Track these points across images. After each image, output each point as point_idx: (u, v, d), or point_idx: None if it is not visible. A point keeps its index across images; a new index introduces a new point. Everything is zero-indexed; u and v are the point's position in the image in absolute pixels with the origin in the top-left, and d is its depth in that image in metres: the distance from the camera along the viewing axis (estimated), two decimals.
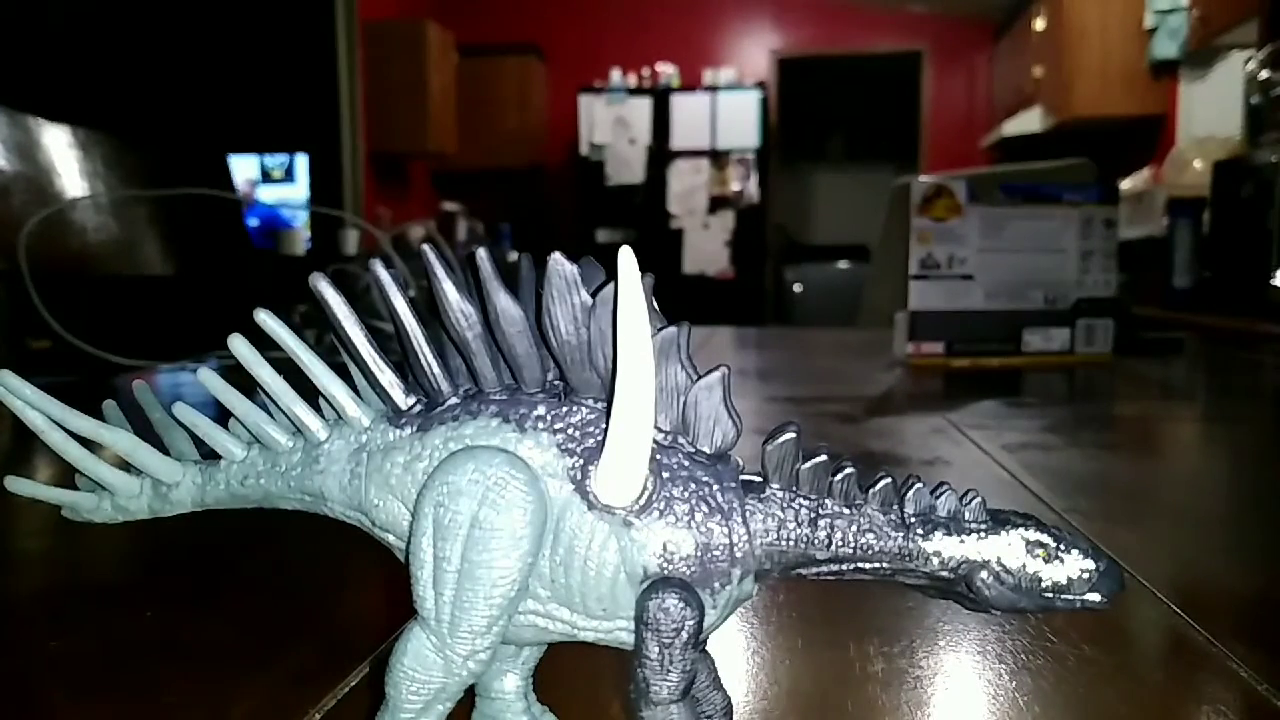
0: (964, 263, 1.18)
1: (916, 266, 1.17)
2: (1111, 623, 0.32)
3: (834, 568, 0.17)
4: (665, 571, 0.18)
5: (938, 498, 0.17)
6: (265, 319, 0.19)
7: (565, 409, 0.18)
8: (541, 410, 0.18)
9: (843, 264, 4.14)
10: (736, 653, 0.30)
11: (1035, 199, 1.19)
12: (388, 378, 0.20)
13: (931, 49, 4.28)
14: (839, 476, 0.17)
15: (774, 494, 0.18)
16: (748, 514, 0.18)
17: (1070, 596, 0.16)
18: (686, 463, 0.18)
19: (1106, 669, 0.29)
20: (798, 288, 4.15)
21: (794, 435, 0.18)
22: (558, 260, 0.18)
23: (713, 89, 4.02)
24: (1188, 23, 2.71)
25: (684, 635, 0.17)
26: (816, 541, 0.17)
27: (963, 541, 0.16)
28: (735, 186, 4.04)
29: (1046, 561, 0.16)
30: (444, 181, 4.12)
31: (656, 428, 0.18)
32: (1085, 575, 0.15)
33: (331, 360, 0.20)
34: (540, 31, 4.23)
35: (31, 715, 0.26)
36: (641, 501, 0.18)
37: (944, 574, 0.16)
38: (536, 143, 4.21)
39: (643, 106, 4.01)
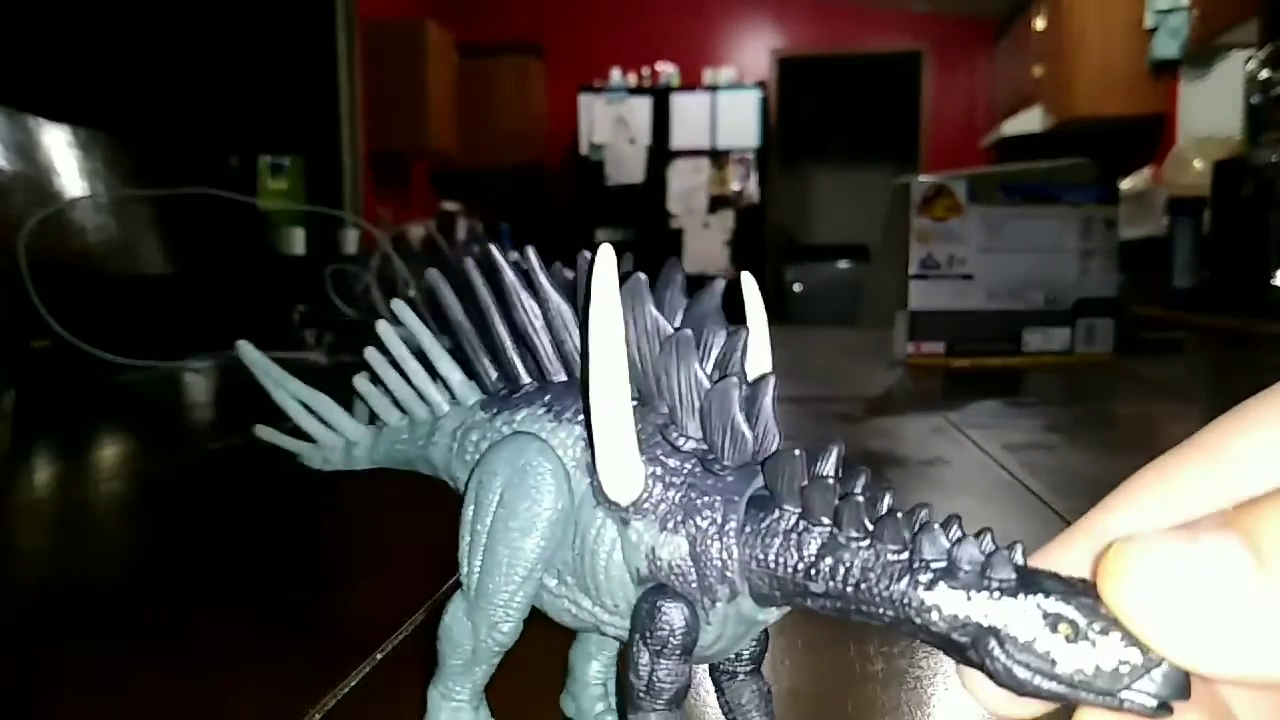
0: (964, 262, 1.18)
1: (917, 266, 1.17)
2: None
3: (832, 604, 0.15)
4: (658, 576, 0.17)
5: (961, 543, 0.14)
6: (400, 308, 0.22)
7: None
8: (579, 404, 0.19)
9: (843, 264, 4.14)
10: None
11: (1035, 199, 1.19)
12: (482, 361, 0.22)
13: (932, 49, 4.28)
14: (855, 503, 0.15)
15: (780, 515, 0.16)
16: (745, 532, 0.16)
17: (1103, 689, 0.12)
18: (697, 470, 0.17)
19: None
20: (798, 287, 4.15)
21: (799, 452, 0.16)
22: (584, 257, 0.18)
23: (713, 88, 4.02)
24: (1188, 22, 2.71)
25: (672, 644, 0.17)
26: (813, 573, 0.15)
27: (970, 599, 0.13)
28: (735, 186, 4.04)
29: (1070, 641, 0.12)
30: (443, 181, 4.11)
31: (678, 429, 0.17)
32: (1125, 668, 0.12)
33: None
34: (540, 31, 4.23)
35: (32, 714, 0.26)
36: (640, 502, 0.17)
37: (949, 634, 0.13)
38: (536, 142, 4.20)
39: (643, 106, 4.01)
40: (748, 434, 0.17)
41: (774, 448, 0.17)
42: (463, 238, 3.33)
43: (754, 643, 0.18)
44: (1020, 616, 0.13)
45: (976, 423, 0.75)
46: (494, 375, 0.22)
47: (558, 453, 0.19)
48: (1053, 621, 0.12)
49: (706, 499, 0.17)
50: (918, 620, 0.14)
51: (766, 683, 0.19)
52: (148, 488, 0.56)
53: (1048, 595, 0.13)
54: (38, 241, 1.07)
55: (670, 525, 0.17)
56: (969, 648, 0.13)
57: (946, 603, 0.14)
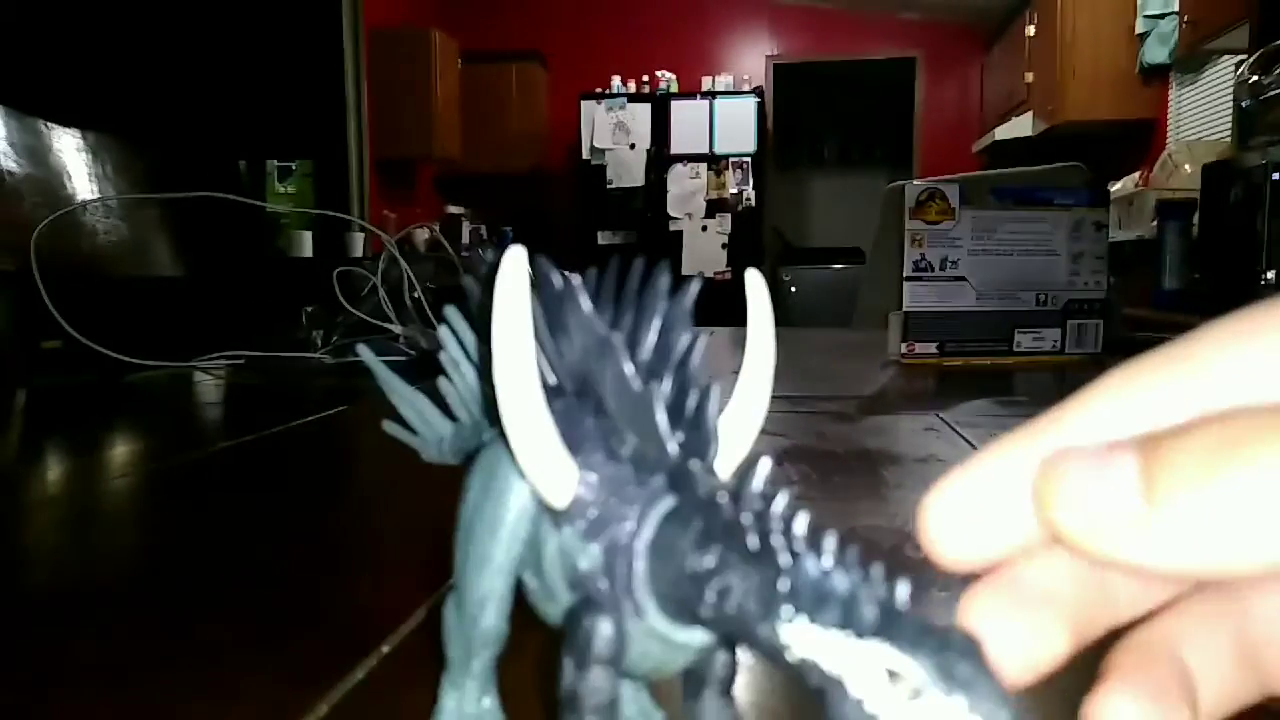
0: (956, 264, 1.21)
1: (910, 268, 1.20)
2: None
3: (721, 632, 0.14)
4: (583, 585, 0.16)
5: (831, 574, 0.12)
6: (451, 312, 0.23)
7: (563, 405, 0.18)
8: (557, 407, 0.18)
9: (837, 266, 4.16)
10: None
11: (1026, 202, 1.22)
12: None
13: (925, 55, 4.31)
14: (744, 523, 0.13)
15: (684, 531, 0.15)
16: (653, 546, 0.15)
17: None
18: (628, 478, 0.16)
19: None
20: (793, 289, 4.17)
21: (700, 464, 0.15)
22: (549, 272, 0.17)
23: (710, 95, 4.05)
24: (1178, 28, 2.74)
25: (594, 656, 0.15)
26: (702, 596, 0.14)
27: (821, 640, 0.11)
28: (732, 190, 4.07)
29: (910, 699, 0.11)
30: (448, 185, 4.14)
31: (621, 441, 0.17)
32: None
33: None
34: (543, 39, 4.26)
35: (33, 714, 0.26)
36: (571, 508, 0.17)
37: (803, 677, 0.12)
38: (539, 147, 4.23)
39: (643, 112, 4.04)
40: (670, 442, 0.15)
41: (711, 457, 0.16)
42: (467, 240, 3.35)
43: (722, 665, 0.17)
44: (858, 667, 0.11)
45: (969, 421, 0.76)
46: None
47: None
48: (893, 678, 0.11)
49: (626, 508, 0.16)
50: (777, 660, 0.12)
51: (735, 710, 0.17)
52: (156, 486, 0.55)
53: (901, 644, 0.11)
54: (48, 243, 1.09)
55: (592, 534, 0.16)
56: (823, 697, 0.11)
57: (800, 643, 0.12)
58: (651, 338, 0.16)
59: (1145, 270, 2.06)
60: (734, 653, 0.17)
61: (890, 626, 0.11)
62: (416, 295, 1.43)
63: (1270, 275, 1.67)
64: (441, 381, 0.24)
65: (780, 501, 0.13)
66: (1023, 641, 0.12)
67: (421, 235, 1.99)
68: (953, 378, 1.10)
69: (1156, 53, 2.92)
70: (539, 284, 0.18)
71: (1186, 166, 2.36)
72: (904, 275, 1.17)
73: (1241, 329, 0.12)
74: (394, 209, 3.23)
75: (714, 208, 4.08)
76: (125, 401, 0.94)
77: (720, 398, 0.16)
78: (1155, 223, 2.13)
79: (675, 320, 0.16)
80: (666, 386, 0.16)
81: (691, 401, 0.16)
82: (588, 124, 4.03)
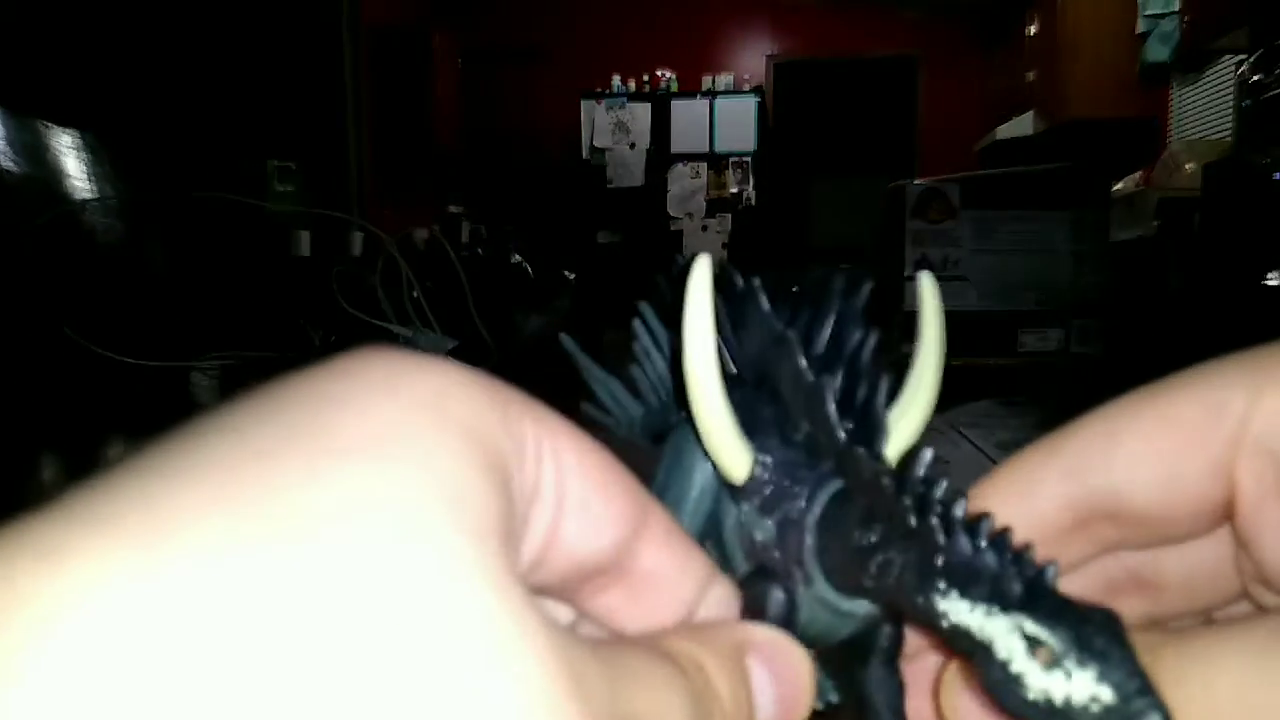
0: (958, 264, 1.20)
1: (911, 268, 1.19)
2: None
3: (881, 601, 0.15)
4: (755, 556, 0.18)
5: (983, 552, 0.13)
6: (643, 308, 0.24)
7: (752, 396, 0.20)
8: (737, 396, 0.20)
9: (839, 266, 4.16)
10: None
11: (1028, 202, 1.21)
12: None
13: (926, 54, 4.31)
14: (907, 503, 0.14)
15: (851, 509, 0.16)
16: (823, 522, 0.16)
17: None
18: (800, 461, 0.17)
19: None
20: (794, 289, 4.17)
21: (863, 450, 0.16)
22: (735, 275, 0.20)
23: (711, 94, 4.05)
24: (1179, 28, 2.74)
25: (764, 618, 0.17)
26: (865, 567, 0.15)
27: (972, 611, 0.13)
28: (733, 189, 4.07)
29: (1046, 668, 0.12)
30: (448, 184, 4.14)
31: (793, 428, 0.18)
32: (1096, 706, 0.11)
33: None
34: (542, 38, 4.26)
35: None
36: (747, 485, 0.18)
37: (955, 644, 0.13)
38: (539, 146, 4.23)
39: (643, 111, 4.04)
40: (839, 430, 0.16)
41: (879, 445, 0.16)
42: (466, 240, 3.35)
43: (886, 635, 0.18)
44: (1003, 635, 0.12)
45: (971, 421, 0.76)
46: None
47: None
48: (1031, 645, 0.12)
49: (798, 487, 0.17)
50: (934, 626, 0.13)
51: (900, 678, 0.18)
52: None
53: (1040, 616, 0.12)
54: (46, 243, 1.08)
55: (767, 509, 0.18)
56: (973, 660, 0.13)
57: (953, 611, 0.13)
58: (826, 333, 0.18)
59: (1147, 270, 2.06)
60: (899, 624, 0.18)
61: (1034, 601, 0.12)
62: (416, 295, 1.43)
63: (1273, 275, 1.67)
64: (634, 368, 0.25)
65: (940, 487, 0.14)
66: None
67: (421, 234, 1.99)
68: (955, 378, 1.10)
69: (1158, 52, 2.92)
70: (724, 285, 0.19)
71: (1188, 166, 2.36)
72: (905, 275, 1.16)
73: (1109, 429, 0.15)
74: (393, 208, 3.23)
75: (714, 207, 4.08)
76: (124, 401, 0.94)
77: (888, 390, 0.17)
78: (1157, 222, 2.13)
79: (848, 318, 0.18)
80: (838, 379, 0.17)
81: (861, 393, 0.17)
82: (587, 123, 4.03)
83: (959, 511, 0.14)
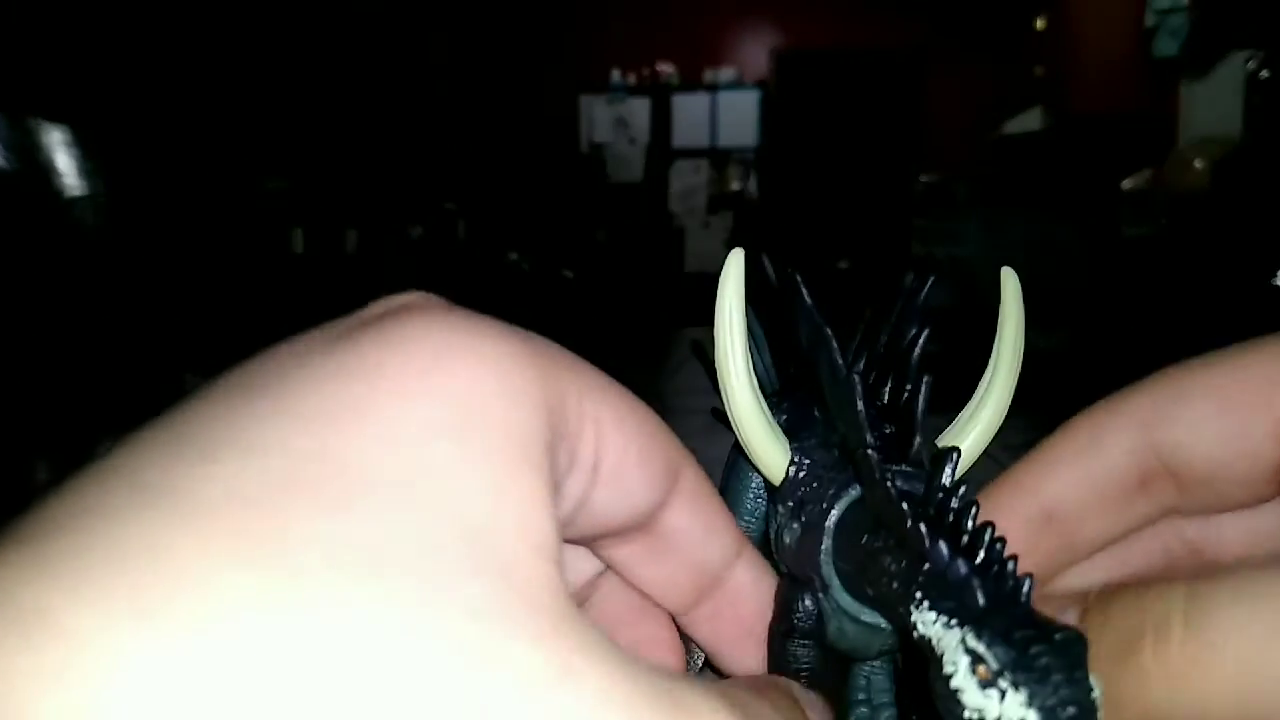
0: (964, 262, 1.18)
1: (916, 265, 1.17)
2: None
3: (885, 612, 0.15)
4: (784, 560, 0.18)
5: (955, 559, 0.13)
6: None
7: (793, 399, 0.20)
8: (773, 398, 0.21)
9: (843, 264, 4.14)
10: None
11: (1036, 199, 1.19)
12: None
13: (933, 47, 4.28)
14: (904, 511, 0.14)
15: (865, 515, 0.16)
16: (840, 526, 0.16)
17: None
18: (833, 463, 0.17)
19: None
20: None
21: (871, 452, 0.15)
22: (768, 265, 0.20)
23: (713, 88, 4.02)
24: (1188, 22, 2.71)
25: (796, 628, 0.17)
26: (867, 574, 0.15)
27: (935, 621, 0.13)
28: (735, 185, 4.04)
29: (982, 686, 0.12)
30: (443, 181, 4.12)
31: (834, 427, 0.18)
32: None
33: None
34: (540, 31, 4.23)
35: None
36: (783, 487, 0.18)
37: (924, 655, 0.13)
38: (536, 142, 4.21)
39: (643, 106, 4.01)
40: (866, 430, 0.16)
41: (916, 448, 0.16)
42: (463, 237, 3.33)
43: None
44: (950, 647, 0.12)
45: None
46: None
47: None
48: (974, 660, 0.12)
49: (824, 490, 0.17)
50: (911, 639, 0.13)
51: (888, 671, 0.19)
52: None
53: (991, 633, 0.12)
54: (45, 242, 1.07)
55: (795, 513, 0.18)
56: (929, 672, 0.12)
57: (922, 623, 0.13)
58: (887, 331, 0.18)
59: (1156, 267, 2.03)
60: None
61: (994, 615, 0.12)
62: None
63: None
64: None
65: (958, 494, 0.14)
66: None
67: (416, 232, 1.97)
68: (960, 377, 1.08)
69: (1166, 46, 2.89)
70: (775, 281, 0.20)
71: (1198, 162, 2.33)
72: (910, 273, 1.15)
73: (1177, 387, 0.15)
74: (389, 205, 3.21)
75: (716, 204, 4.05)
76: (122, 402, 0.93)
77: (930, 391, 0.17)
78: (1166, 220, 2.10)
79: (909, 315, 0.18)
80: (888, 378, 0.17)
81: (906, 393, 0.17)
82: (587, 117, 4.00)
83: (967, 521, 0.13)
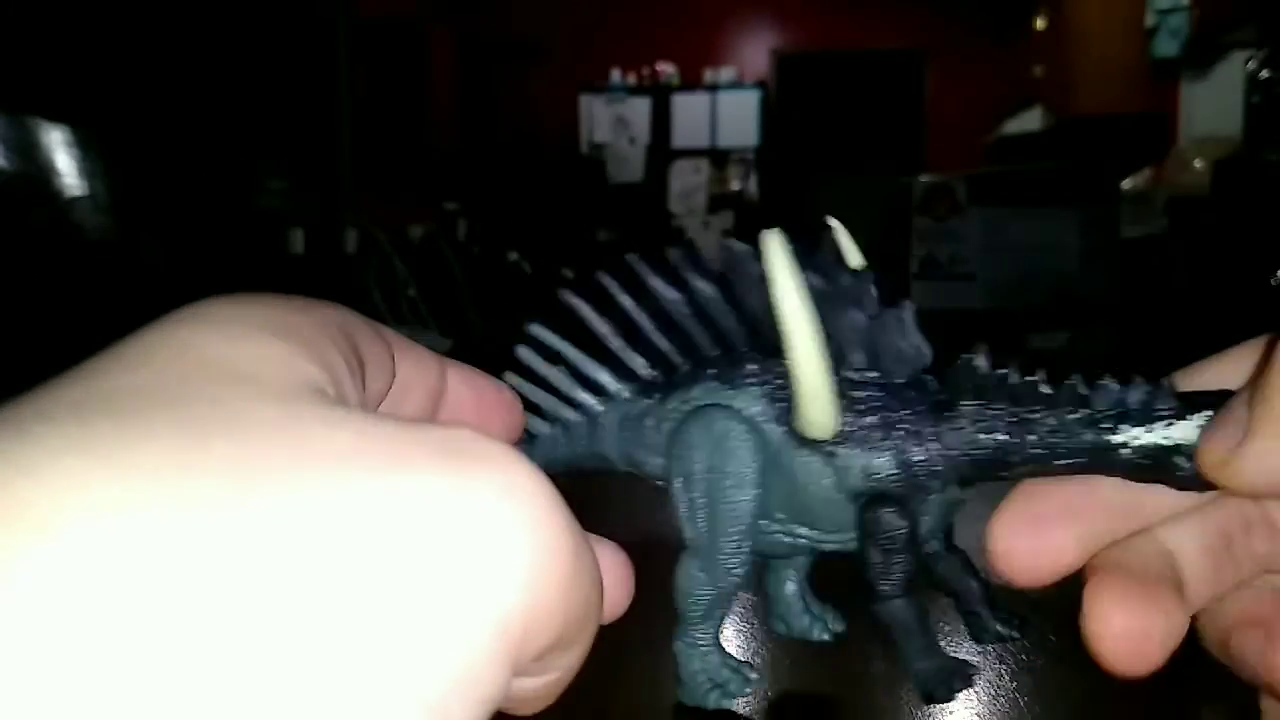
0: (965, 262, 1.18)
1: (917, 266, 1.17)
2: None
3: (1031, 468, 0.18)
4: (875, 488, 0.20)
5: (1126, 391, 0.17)
6: (536, 328, 0.26)
7: (768, 365, 0.22)
8: (750, 369, 0.23)
9: None
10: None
11: (1036, 199, 1.19)
12: (630, 357, 0.25)
13: (933, 48, 4.28)
14: (1023, 385, 0.19)
15: (964, 410, 0.19)
16: (942, 430, 0.20)
17: None
18: (878, 394, 0.21)
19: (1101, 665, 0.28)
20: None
21: (974, 355, 0.19)
22: (730, 242, 0.22)
23: (713, 88, 4.02)
24: (1188, 22, 2.71)
25: (899, 541, 0.20)
26: (1010, 448, 0.19)
27: (1150, 430, 0.16)
28: (735, 185, 4.04)
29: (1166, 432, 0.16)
30: (444, 181, 4.12)
31: (849, 366, 0.21)
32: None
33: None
34: (541, 31, 4.23)
35: None
36: (839, 433, 0.21)
37: (1141, 461, 0.16)
38: (536, 142, 4.21)
39: (643, 106, 4.01)
40: (910, 352, 0.20)
41: (928, 358, 0.20)
42: (463, 237, 3.33)
43: (946, 521, 0.22)
44: (1196, 431, 0.16)
45: None
46: (643, 366, 0.25)
47: (742, 414, 0.22)
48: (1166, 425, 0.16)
49: (899, 414, 0.20)
50: (1111, 460, 0.17)
51: (963, 551, 0.22)
52: None
53: (1204, 412, 0.16)
54: (41, 241, 1.07)
55: (875, 444, 0.20)
56: (1158, 469, 0.16)
57: (1133, 438, 0.17)
58: (860, 285, 0.21)
59: (1156, 267, 2.03)
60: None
61: (1190, 405, 0.16)
62: (411, 293, 1.41)
63: None
64: (544, 382, 0.26)
65: (1020, 369, 0.19)
66: (1155, 627, 0.15)
67: (416, 231, 1.97)
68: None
69: (1167, 46, 2.89)
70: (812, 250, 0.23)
71: (1198, 162, 2.33)
72: (911, 273, 1.14)
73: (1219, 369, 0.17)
74: (387, 205, 3.21)
75: (716, 203, 4.05)
76: None
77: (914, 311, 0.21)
78: (1166, 220, 2.10)
79: (847, 271, 0.22)
80: (895, 314, 0.21)
81: (901, 319, 0.21)
82: (587, 117, 4.00)
83: (1041, 378, 0.19)
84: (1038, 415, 0.18)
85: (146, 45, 1.56)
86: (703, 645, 0.23)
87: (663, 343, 0.24)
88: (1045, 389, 0.18)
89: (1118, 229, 1.24)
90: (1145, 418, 0.16)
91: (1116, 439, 0.17)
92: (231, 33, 1.76)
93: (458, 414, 0.14)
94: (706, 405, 0.22)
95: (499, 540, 0.09)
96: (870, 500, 0.20)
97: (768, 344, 0.21)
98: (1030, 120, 3.46)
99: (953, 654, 0.22)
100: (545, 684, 0.11)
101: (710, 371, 0.23)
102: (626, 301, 0.24)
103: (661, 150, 4.03)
